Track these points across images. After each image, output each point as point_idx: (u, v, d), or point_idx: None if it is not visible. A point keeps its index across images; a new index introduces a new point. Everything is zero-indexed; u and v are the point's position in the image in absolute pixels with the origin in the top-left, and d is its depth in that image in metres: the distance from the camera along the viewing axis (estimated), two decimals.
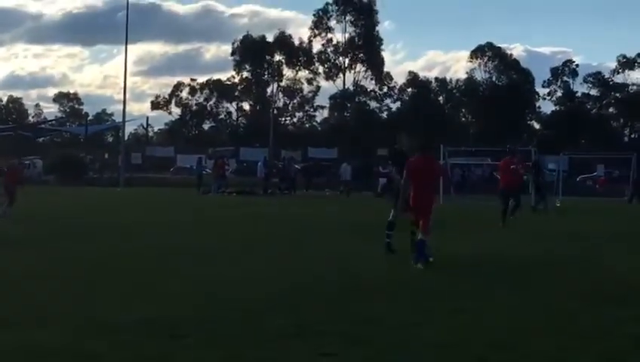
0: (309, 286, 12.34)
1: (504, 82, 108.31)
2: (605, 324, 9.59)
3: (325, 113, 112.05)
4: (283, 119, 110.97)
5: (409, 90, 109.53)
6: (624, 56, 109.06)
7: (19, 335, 8.58)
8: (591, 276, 14.00)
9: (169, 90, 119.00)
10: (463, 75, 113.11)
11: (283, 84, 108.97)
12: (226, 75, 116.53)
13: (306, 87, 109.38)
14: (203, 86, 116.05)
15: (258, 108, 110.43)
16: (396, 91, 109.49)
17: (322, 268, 14.44)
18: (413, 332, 9.06)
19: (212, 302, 10.78)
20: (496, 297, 11.60)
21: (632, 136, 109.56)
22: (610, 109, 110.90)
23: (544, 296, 11.67)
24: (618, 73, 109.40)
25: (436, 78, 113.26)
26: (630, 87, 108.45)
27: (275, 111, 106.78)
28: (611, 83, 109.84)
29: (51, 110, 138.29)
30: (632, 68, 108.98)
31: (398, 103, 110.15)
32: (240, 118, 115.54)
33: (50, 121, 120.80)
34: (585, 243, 19.36)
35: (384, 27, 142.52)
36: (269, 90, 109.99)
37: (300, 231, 22.91)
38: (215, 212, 31.51)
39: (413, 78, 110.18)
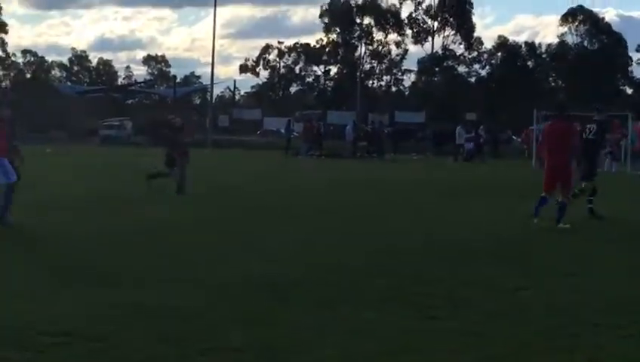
0: (415, 248, 12.20)
1: (596, 46, 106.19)
2: None
3: (413, 77, 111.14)
4: (370, 82, 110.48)
5: (498, 54, 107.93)
6: None
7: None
8: None
9: (256, 54, 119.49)
10: (552, 40, 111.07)
11: (371, 47, 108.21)
12: (314, 38, 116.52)
13: (394, 51, 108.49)
14: (291, 49, 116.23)
15: (345, 71, 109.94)
16: (485, 56, 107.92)
17: (431, 231, 14.35)
18: (523, 296, 8.85)
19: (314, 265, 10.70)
20: (608, 262, 11.32)
21: None
22: None
23: None
24: None
25: (526, 43, 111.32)
26: None
27: (363, 75, 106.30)
28: None
29: (140, 72, 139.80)
30: None
31: (488, 68, 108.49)
32: (327, 82, 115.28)
33: (140, 83, 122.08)
34: None
35: None
36: (356, 53, 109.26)
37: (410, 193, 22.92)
38: (324, 174, 31.69)
39: (502, 42, 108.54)
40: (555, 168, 15.24)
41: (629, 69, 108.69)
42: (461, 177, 32.58)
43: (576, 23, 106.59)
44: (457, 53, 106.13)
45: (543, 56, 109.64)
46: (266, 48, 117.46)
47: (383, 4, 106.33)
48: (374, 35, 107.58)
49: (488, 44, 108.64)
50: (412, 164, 45.69)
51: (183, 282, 9.14)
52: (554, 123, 15.95)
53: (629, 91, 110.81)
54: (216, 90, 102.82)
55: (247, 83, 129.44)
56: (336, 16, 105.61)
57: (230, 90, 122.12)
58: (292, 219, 16.11)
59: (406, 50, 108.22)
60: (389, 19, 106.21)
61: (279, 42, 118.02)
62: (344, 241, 12.93)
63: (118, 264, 10.27)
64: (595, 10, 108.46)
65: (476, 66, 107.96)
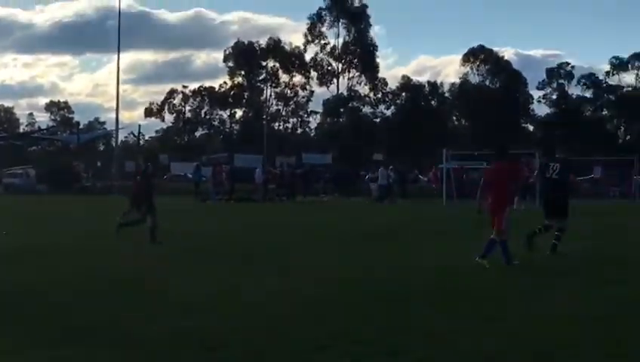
0: (334, 296, 11.93)
1: (497, 85, 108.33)
2: None
3: (319, 118, 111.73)
4: (276, 125, 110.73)
5: (403, 94, 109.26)
6: (617, 58, 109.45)
7: None
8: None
9: (160, 98, 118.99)
10: (454, 79, 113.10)
11: (277, 90, 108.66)
12: (217, 82, 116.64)
13: (299, 93, 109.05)
14: (195, 93, 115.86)
15: (251, 114, 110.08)
16: (390, 97, 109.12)
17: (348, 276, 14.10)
18: (451, 341, 8.66)
19: (240, 313, 10.36)
20: (534, 305, 11.21)
21: (627, 138, 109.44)
22: (605, 111, 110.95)
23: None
24: (612, 75, 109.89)
25: (428, 82, 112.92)
26: (625, 89, 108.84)
27: (269, 118, 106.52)
28: (605, 85, 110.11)
29: (43, 119, 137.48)
30: (625, 70, 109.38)
31: (393, 108, 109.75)
32: (233, 125, 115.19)
33: (42, 130, 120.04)
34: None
35: (375, 32, 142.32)
36: (262, 96, 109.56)
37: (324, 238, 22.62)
38: (239, 218, 31.32)
39: (406, 83, 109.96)
40: (495, 206, 15.56)
41: (530, 106, 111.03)
42: (382, 218, 32.57)
43: (478, 62, 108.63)
44: (362, 94, 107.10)
45: (446, 95, 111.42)
46: (171, 93, 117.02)
47: (287, 47, 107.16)
48: (280, 78, 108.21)
49: (392, 84, 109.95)
50: (325, 205, 45.68)
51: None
52: (495, 164, 16.38)
53: (531, 128, 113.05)
54: (120, 136, 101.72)
55: (151, 128, 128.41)
56: (241, 59, 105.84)
57: (134, 135, 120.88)
58: (217, 264, 15.78)
59: (312, 92, 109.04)
60: (294, 62, 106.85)
61: (184, 86, 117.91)
62: (273, 288, 12.60)
63: None
64: (495, 49, 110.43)
65: (381, 107, 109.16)
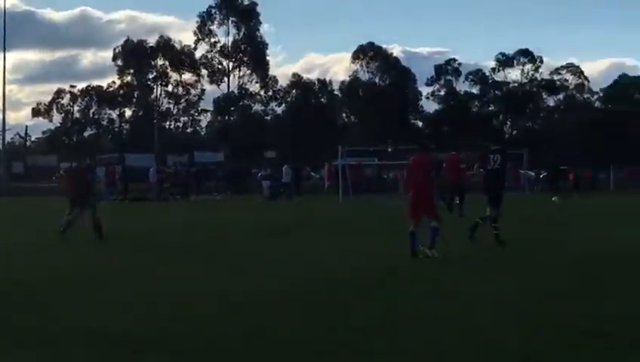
0: (261, 295, 11.83)
1: (387, 82, 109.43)
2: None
3: (209, 117, 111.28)
4: (167, 124, 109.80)
5: (293, 92, 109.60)
6: (503, 54, 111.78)
7: None
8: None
9: (46, 99, 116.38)
10: (343, 77, 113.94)
11: (167, 88, 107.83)
12: (105, 82, 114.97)
13: (190, 92, 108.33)
14: (84, 92, 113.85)
15: (141, 113, 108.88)
16: (281, 94, 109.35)
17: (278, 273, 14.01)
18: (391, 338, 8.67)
19: (163, 314, 10.18)
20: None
21: (514, 133, 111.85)
22: (491, 107, 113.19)
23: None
24: (498, 71, 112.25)
25: (319, 80, 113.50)
26: (511, 85, 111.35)
27: (159, 116, 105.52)
28: (491, 81, 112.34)
29: None
30: (510, 66, 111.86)
31: (284, 106, 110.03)
32: (122, 124, 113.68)
33: None
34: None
35: (264, 30, 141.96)
36: (152, 95, 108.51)
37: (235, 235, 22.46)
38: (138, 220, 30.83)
39: (296, 81, 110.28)
40: (419, 198, 16.25)
41: (419, 103, 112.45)
42: (284, 215, 32.64)
43: (367, 60, 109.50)
44: (253, 92, 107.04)
45: (335, 93, 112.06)
46: (59, 92, 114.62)
47: (177, 45, 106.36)
48: (170, 76, 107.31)
49: (283, 82, 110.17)
50: (220, 204, 45.48)
51: None
52: (417, 157, 16.90)
53: (420, 124, 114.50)
54: (7, 137, 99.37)
55: (38, 129, 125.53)
56: (130, 57, 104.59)
57: (20, 135, 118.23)
58: (136, 263, 15.57)
59: (203, 90, 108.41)
60: (184, 60, 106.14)
61: (71, 86, 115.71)
62: (200, 287, 12.45)
63: None
64: (384, 46, 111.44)
65: (272, 104, 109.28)
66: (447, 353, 7.87)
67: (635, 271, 14.05)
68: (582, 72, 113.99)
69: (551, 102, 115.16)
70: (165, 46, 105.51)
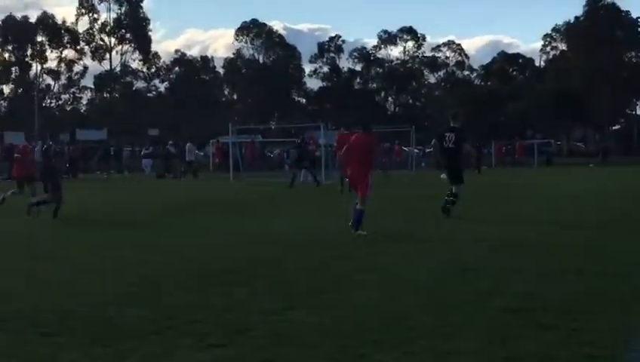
0: (159, 277, 11.78)
1: (271, 59, 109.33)
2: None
3: (91, 94, 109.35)
4: (48, 101, 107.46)
5: (176, 69, 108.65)
6: (385, 32, 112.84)
7: None
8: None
9: None
10: (223, 53, 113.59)
11: (47, 65, 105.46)
12: None
13: (72, 69, 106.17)
14: None
15: (20, 91, 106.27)
16: (163, 71, 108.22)
17: (163, 256, 13.93)
18: (290, 317, 8.76)
19: (66, 298, 10.07)
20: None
21: (396, 110, 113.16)
22: (374, 84, 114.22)
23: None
24: (380, 49, 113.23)
25: (202, 57, 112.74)
26: (395, 62, 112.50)
27: (40, 94, 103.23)
28: (373, 58, 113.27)
29: None
30: (393, 43, 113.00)
31: (167, 83, 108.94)
32: (1, 102, 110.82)
33: None
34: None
35: (144, 5, 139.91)
36: (31, 72, 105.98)
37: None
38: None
39: (180, 58, 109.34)
40: (355, 178, 16.48)
41: (303, 80, 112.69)
42: (184, 194, 32.46)
43: (251, 37, 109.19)
44: (136, 69, 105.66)
45: (217, 70, 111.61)
46: None
47: (59, 21, 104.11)
48: (50, 53, 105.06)
49: (166, 58, 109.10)
50: (110, 182, 44.88)
51: None
52: (359, 136, 16.79)
53: (304, 101, 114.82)
54: None
55: None
56: (9, 34, 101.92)
57: None
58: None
59: (85, 68, 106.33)
60: (65, 37, 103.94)
61: None
62: (95, 271, 12.32)
63: None
64: (268, 23, 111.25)
65: (156, 81, 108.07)
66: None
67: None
68: (462, 49, 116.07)
69: (432, 79, 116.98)
70: (45, 22, 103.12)
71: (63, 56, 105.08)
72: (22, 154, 27.66)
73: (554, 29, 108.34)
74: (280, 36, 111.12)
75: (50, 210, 20.92)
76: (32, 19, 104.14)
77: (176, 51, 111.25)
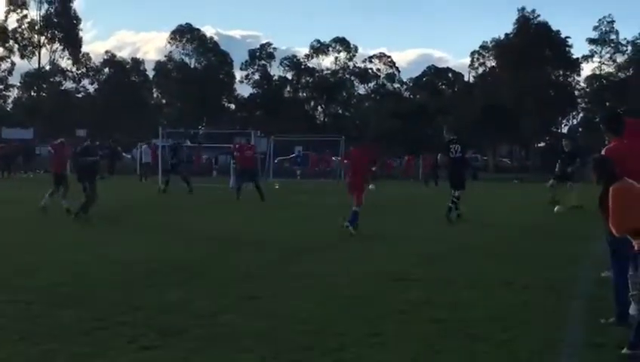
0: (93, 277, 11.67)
1: (202, 64, 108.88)
2: None
3: (17, 92, 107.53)
4: None
5: (106, 70, 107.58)
6: (318, 41, 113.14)
7: None
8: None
9: None
10: (154, 56, 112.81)
11: None
12: None
13: (1, 66, 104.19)
14: None
15: None
16: (93, 72, 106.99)
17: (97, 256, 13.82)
18: (224, 321, 8.75)
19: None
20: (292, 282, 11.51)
21: (325, 119, 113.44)
22: (304, 93, 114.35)
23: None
24: (312, 58, 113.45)
25: (133, 59, 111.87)
26: (326, 72, 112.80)
27: None
28: (304, 67, 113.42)
29: None
30: (325, 53, 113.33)
31: (96, 84, 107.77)
32: None
33: None
34: None
35: (76, 5, 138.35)
36: None
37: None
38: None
39: (110, 59, 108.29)
40: (351, 185, 19.23)
41: (234, 87, 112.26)
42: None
43: (184, 41, 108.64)
44: (65, 68, 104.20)
45: (147, 73, 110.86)
46: None
47: None
48: None
49: (94, 59, 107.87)
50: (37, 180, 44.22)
51: None
52: (359, 148, 20.49)
53: (233, 107, 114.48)
54: None
55: None
56: None
57: None
58: None
59: (13, 65, 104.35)
60: None
61: None
62: (28, 268, 12.17)
63: None
64: (200, 28, 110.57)
65: (85, 82, 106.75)
66: None
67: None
68: (393, 62, 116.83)
69: (362, 90, 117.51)
70: None
71: None
72: None
73: (482, 46, 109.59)
74: (214, 42, 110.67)
75: None
76: None
77: (107, 52, 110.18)
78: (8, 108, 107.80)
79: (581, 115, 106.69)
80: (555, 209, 24.77)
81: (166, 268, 12.49)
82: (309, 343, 7.79)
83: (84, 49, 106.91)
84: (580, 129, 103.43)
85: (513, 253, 15.16)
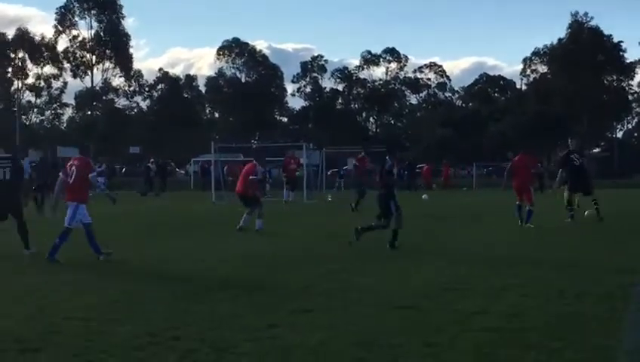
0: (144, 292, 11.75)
1: (253, 78, 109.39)
2: None
3: (71, 111, 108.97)
4: (29, 118, 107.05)
5: (160, 86, 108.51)
6: (369, 52, 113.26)
7: None
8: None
9: None
10: (207, 72, 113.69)
11: (28, 81, 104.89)
12: None
13: (52, 85, 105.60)
14: None
15: (1, 106, 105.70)
16: (147, 89, 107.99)
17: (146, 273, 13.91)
18: (275, 335, 8.75)
19: (52, 312, 10.02)
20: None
21: (377, 130, 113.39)
22: (356, 104, 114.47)
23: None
24: (363, 69, 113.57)
25: (187, 76, 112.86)
26: (377, 82, 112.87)
27: (21, 111, 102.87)
28: (355, 78, 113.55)
29: None
30: (376, 64, 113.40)
31: (149, 101, 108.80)
32: None
33: None
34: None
35: (128, 24, 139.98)
36: (12, 88, 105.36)
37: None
38: None
39: (163, 75, 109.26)
40: (518, 189, 22.52)
41: (285, 99, 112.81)
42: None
43: (233, 56, 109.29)
44: (117, 86, 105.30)
45: (200, 88, 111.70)
46: None
47: (37, 38, 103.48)
48: (30, 70, 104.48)
49: (148, 76, 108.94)
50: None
51: None
52: (520, 156, 23.36)
53: (285, 120, 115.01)
54: None
55: None
56: None
57: None
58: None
59: (65, 84, 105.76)
60: (44, 53, 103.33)
61: None
62: (79, 285, 12.26)
63: None
64: (250, 42, 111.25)
65: (137, 98, 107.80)
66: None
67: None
68: (444, 71, 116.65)
69: (414, 100, 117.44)
70: (24, 38, 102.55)
71: (43, 73, 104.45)
72: None
73: (534, 53, 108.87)
74: (263, 55, 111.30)
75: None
76: (10, 36, 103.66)
77: (160, 69, 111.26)
78: (63, 127, 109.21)
79: (635, 119, 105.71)
80: (585, 213, 24.38)
81: (218, 283, 12.52)
82: (362, 356, 7.75)
83: (138, 66, 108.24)
84: (636, 134, 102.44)
85: (564, 261, 14.98)
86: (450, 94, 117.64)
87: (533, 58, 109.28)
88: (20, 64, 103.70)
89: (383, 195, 17.35)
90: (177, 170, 77.01)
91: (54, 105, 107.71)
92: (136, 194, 49.22)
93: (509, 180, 23.37)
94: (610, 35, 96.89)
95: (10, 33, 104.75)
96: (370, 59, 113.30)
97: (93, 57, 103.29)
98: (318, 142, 75.84)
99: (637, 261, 14.75)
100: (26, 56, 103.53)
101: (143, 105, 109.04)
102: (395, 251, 16.74)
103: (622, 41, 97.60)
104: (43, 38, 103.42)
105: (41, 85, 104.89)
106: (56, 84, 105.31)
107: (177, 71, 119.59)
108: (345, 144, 72.95)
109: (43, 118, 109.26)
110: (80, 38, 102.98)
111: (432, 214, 28.63)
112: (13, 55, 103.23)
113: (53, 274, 13.75)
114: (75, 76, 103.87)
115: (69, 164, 15.97)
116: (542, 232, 20.94)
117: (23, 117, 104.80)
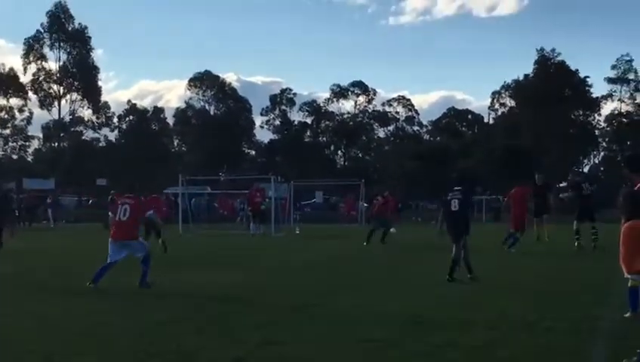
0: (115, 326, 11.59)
1: (222, 110, 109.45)
2: None
3: (37, 143, 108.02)
4: None
5: (127, 118, 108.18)
6: (337, 85, 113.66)
7: None
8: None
9: None
10: (176, 104, 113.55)
11: None
12: None
13: (17, 116, 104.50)
14: None
15: None
16: (114, 120, 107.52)
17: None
18: None
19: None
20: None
21: (345, 163, 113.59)
22: (324, 138, 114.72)
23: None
24: (332, 102, 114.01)
25: (155, 107, 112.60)
26: (345, 116, 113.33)
27: None
28: (324, 111, 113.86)
29: None
30: (345, 97, 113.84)
31: (116, 133, 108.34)
32: None
33: None
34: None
35: (97, 55, 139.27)
36: None
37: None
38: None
39: (131, 107, 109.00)
40: (514, 217, 25.10)
41: (254, 132, 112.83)
42: None
43: (203, 88, 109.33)
44: (85, 118, 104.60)
45: (167, 120, 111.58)
46: None
47: (1, 69, 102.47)
48: None
49: (115, 108, 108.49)
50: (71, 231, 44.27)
51: None
52: (518, 189, 26.13)
53: (253, 153, 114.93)
54: None
55: None
56: None
57: None
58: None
59: (31, 115, 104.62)
60: (10, 85, 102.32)
61: None
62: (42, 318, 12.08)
63: None
64: (219, 75, 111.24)
65: (105, 130, 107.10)
66: None
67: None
68: (412, 105, 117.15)
69: (382, 133, 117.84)
70: None
71: (8, 104, 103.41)
72: None
73: (503, 86, 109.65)
74: (232, 88, 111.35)
75: None
76: None
77: (128, 101, 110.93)
78: (29, 159, 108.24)
79: (602, 153, 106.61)
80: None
81: (186, 314, 12.40)
82: None
83: (106, 98, 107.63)
84: (602, 168, 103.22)
85: (534, 292, 14.96)
86: (418, 128, 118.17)
87: (502, 92, 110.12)
88: None
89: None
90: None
91: (18, 137, 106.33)
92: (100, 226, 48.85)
93: (506, 211, 28.22)
94: (577, 70, 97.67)
95: None
96: (339, 93, 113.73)
97: (61, 89, 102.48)
98: (285, 175, 75.70)
99: (604, 292, 14.73)
100: None
101: (112, 136, 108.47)
102: (364, 283, 16.71)
103: (588, 77, 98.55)
104: (8, 70, 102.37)
105: (6, 117, 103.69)
106: (21, 115, 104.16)
107: (146, 103, 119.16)
108: (313, 177, 73.09)
109: (7, 149, 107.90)
110: (47, 69, 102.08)
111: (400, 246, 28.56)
112: None
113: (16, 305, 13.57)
114: (42, 107, 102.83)
115: (119, 201, 16.06)
116: (509, 265, 20.91)
117: None
